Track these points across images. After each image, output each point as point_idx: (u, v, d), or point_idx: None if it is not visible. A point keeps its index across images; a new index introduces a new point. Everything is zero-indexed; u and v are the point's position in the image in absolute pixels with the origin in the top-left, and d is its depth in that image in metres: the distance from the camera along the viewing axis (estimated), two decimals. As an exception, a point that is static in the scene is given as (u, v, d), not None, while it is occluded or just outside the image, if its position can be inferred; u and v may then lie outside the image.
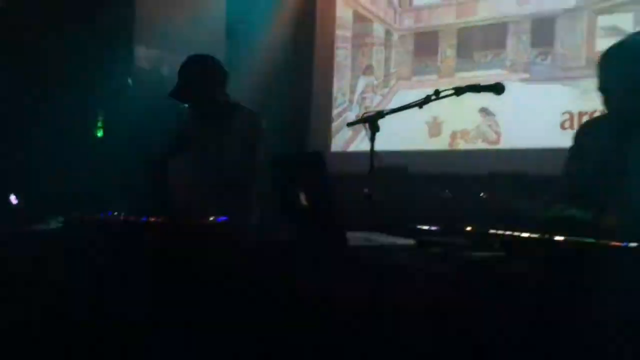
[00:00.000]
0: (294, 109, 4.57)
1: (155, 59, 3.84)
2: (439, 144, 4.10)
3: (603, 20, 3.52)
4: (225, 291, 1.61)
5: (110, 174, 3.19)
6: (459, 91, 1.97)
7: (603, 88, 1.76)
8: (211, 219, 2.05)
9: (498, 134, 3.89)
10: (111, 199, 2.66)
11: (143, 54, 3.81)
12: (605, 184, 1.73)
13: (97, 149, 3.53)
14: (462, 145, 4.02)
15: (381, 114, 1.98)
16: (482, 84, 2.03)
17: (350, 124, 2.12)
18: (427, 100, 1.95)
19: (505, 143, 3.83)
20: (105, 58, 3.51)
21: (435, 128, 4.12)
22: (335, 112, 4.65)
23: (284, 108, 4.38)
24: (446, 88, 1.98)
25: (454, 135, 4.06)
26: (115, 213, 2.08)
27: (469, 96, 4.11)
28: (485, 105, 3.88)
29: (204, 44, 3.70)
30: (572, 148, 1.91)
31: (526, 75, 3.80)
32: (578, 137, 1.93)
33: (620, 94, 1.73)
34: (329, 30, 4.66)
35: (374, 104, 4.39)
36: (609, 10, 3.53)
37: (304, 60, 4.69)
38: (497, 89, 1.98)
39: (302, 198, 1.56)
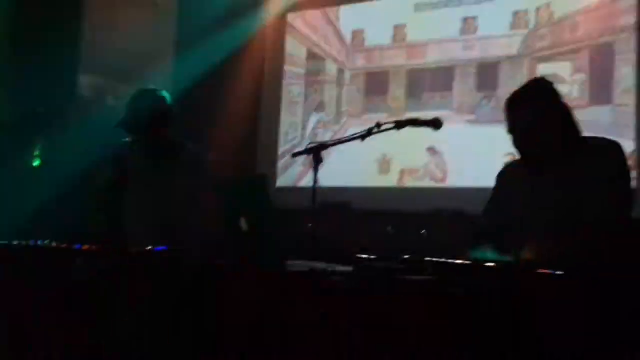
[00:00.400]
0: (240, 142, 4.57)
1: (100, 87, 3.77)
2: (388, 181, 4.16)
3: (543, 68, 3.70)
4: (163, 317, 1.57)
5: (47, 203, 3.07)
6: (399, 125, 2.02)
7: (509, 130, 1.89)
8: (149, 248, 2.00)
9: (445, 172, 3.98)
10: (46, 227, 2.55)
11: (87, 82, 3.74)
12: (518, 221, 1.83)
13: (34, 177, 3.40)
14: (410, 183, 4.09)
15: (325, 145, 2.00)
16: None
17: (294, 155, 2.13)
18: (369, 132, 1.99)
19: (452, 182, 3.92)
20: (47, 85, 3.42)
21: (384, 166, 4.18)
22: (287, 147, 4.66)
23: (230, 141, 4.38)
24: (388, 121, 2.03)
25: (402, 173, 4.13)
26: (46, 241, 2.00)
27: (417, 136, 4.18)
28: (433, 145, 3.98)
29: (152, 75, 3.67)
30: (493, 189, 2.03)
31: (472, 117, 3.94)
32: (497, 179, 2.05)
33: (521, 135, 1.85)
34: (279, 66, 4.71)
35: (325, 140, 4.43)
36: (548, 59, 3.73)
37: (251, 95, 4.71)
38: (435, 124, 2.05)
39: (243, 223, 1.55)
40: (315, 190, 1.96)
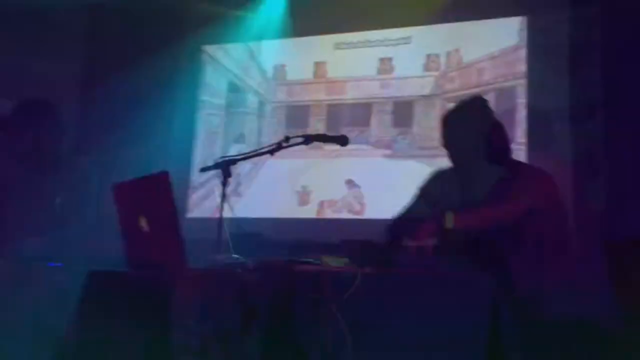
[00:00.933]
0: (149, 171, 4.45)
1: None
2: (307, 212, 4.21)
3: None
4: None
5: None
6: (307, 139, 2.08)
7: (444, 145, 2.04)
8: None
9: (362, 204, 4.10)
10: None
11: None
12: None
13: None
14: (329, 214, 4.16)
15: (233, 160, 2.02)
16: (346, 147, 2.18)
17: (202, 170, 2.13)
18: (279, 146, 2.03)
19: (369, 213, 4.04)
20: None
21: (304, 197, 4.24)
22: (204, 177, 4.60)
23: (138, 169, 4.26)
24: (296, 135, 2.08)
25: (321, 205, 4.20)
26: None
27: (336, 168, 4.27)
28: (352, 178, 4.09)
29: (57, 92, 3.54)
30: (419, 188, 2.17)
31: (388, 152, 4.10)
32: (425, 181, 2.19)
33: (455, 149, 2.00)
34: (193, 95, 4.68)
35: (245, 171, 4.42)
36: (457, 99, 3.98)
37: (164, 124, 4.64)
38: (342, 140, 2.13)
39: (144, 222, 1.53)
40: (223, 202, 1.96)
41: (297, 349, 1.32)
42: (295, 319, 1.34)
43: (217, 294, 1.51)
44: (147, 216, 1.56)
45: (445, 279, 1.54)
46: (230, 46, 4.70)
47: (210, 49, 4.75)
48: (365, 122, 4.20)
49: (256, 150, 2.06)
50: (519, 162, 2.06)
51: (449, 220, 1.82)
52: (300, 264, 1.54)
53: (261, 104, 4.58)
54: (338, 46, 4.38)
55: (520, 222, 1.91)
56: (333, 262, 1.56)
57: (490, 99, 3.88)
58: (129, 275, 1.66)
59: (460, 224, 1.81)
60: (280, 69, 4.56)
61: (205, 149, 4.66)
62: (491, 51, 3.93)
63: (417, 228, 1.81)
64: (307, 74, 4.45)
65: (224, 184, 1.96)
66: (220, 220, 1.96)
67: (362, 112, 4.23)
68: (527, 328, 1.60)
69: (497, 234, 1.99)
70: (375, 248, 1.74)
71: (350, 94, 4.30)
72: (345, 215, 4.11)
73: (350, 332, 1.34)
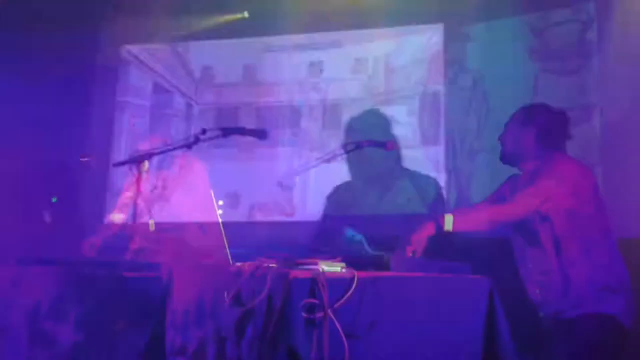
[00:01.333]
0: (65, 175, 4.25)
1: None
2: (238, 216, 4.15)
3: (382, 110, 4.04)
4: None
5: None
6: (225, 131, 2.07)
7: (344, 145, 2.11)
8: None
9: (293, 207, 4.10)
10: None
11: None
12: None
13: None
14: (260, 217, 4.13)
15: (148, 155, 1.97)
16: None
17: (115, 165, 2.05)
18: (196, 139, 2.01)
19: (301, 216, 4.04)
20: None
21: (234, 200, 4.18)
22: (128, 181, 4.43)
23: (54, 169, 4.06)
24: (213, 128, 2.06)
25: (252, 208, 4.16)
26: None
27: (267, 171, 4.25)
28: (282, 180, 4.08)
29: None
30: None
31: (318, 154, 4.13)
32: (332, 192, 2.25)
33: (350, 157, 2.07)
34: (111, 96, 4.51)
35: (172, 175, 4.30)
36: (386, 102, 4.08)
37: (80, 126, 4.44)
38: (260, 133, 2.14)
39: (47, 216, 1.48)
40: (137, 198, 1.89)
41: (293, 353, 1.27)
42: (291, 322, 1.29)
43: (213, 297, 1.45)
44: (49, 209, 1.49)
45: (443, 281, 1.53)
46: (155, 47, 4.57)
47: (133, 49, 4.59)
48: (296, 125, 4.21)
49: (171, 145, 2.00)
50: (543, 160, 2.07)
51: (448, 223, 1.82)
52: (297, 268, 1.50)
53: (188, 105, 4.48)
54: (268, 49, 4.37)
55: (535, 223, 1.96)
56: (329, 267, 1.53)
57: (415, 102, 4.03)
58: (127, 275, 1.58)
59: (459, 226, 1.82)
60: (208, 71, 4.48)
61: (129, 151, 4.49)
62: (417, 56, 4.06)
63: (416, 230, 1.81)
64: (236, 76, 4.40)
65: (139, 180, 1.89)
66: (133, 222, 1.88)
67: (291, 114, 4.23)
68: (530, 329, 1.64)
69: (513, 234, 2.05)
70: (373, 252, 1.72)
71: (280, 97, 4.30)
72: (276, 218, 4.09)
73: (347, 336, 1.31)
